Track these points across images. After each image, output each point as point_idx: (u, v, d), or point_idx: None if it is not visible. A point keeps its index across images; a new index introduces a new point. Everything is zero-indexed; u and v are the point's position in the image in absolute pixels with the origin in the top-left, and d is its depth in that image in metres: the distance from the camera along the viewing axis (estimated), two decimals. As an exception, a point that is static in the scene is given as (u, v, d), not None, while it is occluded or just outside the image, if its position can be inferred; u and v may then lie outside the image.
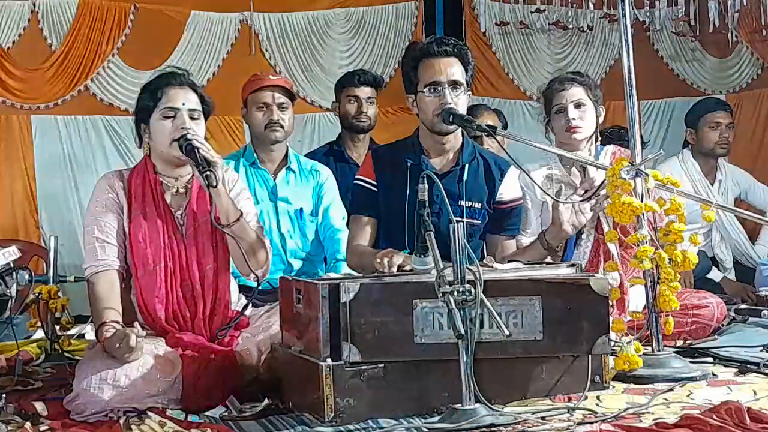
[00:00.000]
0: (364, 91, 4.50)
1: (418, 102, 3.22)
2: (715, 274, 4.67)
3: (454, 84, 3.14)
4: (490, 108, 4.98)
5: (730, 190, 4.88)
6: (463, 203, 3.23)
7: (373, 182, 3.27)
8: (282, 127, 3.94)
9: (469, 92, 3.26)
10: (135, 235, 2.87)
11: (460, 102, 3.16)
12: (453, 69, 3.15)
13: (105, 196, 2.92)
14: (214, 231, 2.91)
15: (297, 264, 3.94)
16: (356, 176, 3.36)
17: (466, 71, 3.20)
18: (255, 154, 4.00)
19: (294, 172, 4.01)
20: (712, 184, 4.82)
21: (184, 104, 2.90)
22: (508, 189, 3.35)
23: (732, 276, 4.78)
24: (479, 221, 3.29)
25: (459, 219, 2.38)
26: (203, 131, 2.92)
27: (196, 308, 2.88)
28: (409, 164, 3.20)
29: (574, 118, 3.48)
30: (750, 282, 4.60)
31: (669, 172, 4.74)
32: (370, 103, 4.52)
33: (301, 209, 3.97)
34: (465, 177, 3.25)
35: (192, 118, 2.91)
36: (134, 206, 2.90)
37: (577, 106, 3.51)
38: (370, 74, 4.60)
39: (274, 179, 3.98)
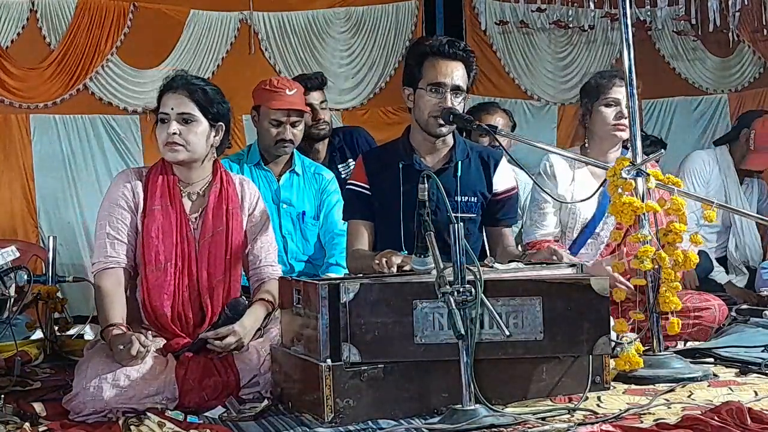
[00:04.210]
0: (314, 97, 4.20)
1: (416, 98, 3.19)
2: (717, 275, 4.63)
3: (457, 89, 3.13)
4: (500, 107, 4.92)
5: (755, 197, 4.86)
6: (458, 198, 3.22)
7: (366, 186, 3.25)
8: (292, 142, 3.89)
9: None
10: (148, 229, 2.86)
11: (459, 108, 3.15)
12: (458, 73, 3.13)
13: (120, 192, 2.91)
14: (228, 247, 2.92)
15: (298, 266, 3.93)
16: (348, 181, 3.33)
17: (468, 78, 3.19)
18: (260, 155, 3.97)
19: (298, 175, 3.97)
20: (741, 184, 4.80)
21: (173, 109, 2.88)
22: (502, 180, 3.34)
23: (744, 281, 4.72)
24: (474, 214, 3.28)
25: (456, 215, 2.37)
26: (203, 134, 2.90)
27: (203, 316, 2.87)
28: (401, 165, 3.19)
29: (626, 117, 3.51)
30: (751, 285, 4.58)
31: (704, 158, 4.70)
32: (323, 107, 4.25)
33: (304, 212, 3.95)
34: (459, 172, 3.24)
35: (185, 122, 2.88)
36: (149, 202, 2.89)
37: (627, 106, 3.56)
38: (315, 78, 4.31)
39: (278, 181, 3.96)
